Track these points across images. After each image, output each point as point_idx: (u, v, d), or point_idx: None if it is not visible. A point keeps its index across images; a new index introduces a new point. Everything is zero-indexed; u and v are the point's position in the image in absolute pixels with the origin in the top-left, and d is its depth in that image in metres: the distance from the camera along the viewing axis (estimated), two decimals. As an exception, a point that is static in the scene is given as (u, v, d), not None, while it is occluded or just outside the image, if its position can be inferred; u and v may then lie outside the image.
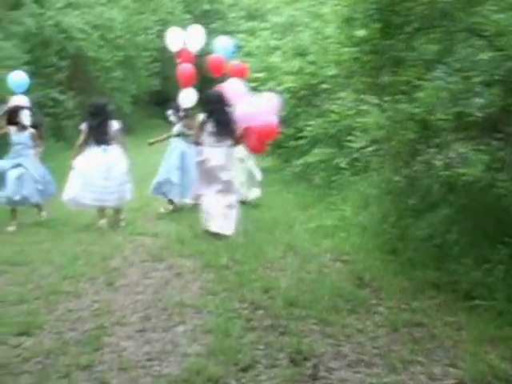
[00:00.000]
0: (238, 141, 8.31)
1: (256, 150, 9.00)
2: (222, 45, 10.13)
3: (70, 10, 20.33)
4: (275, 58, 12.68)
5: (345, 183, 9.22)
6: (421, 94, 6.14)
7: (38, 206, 9.58)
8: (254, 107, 8.18)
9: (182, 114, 9.96)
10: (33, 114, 9.62)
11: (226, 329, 4.80)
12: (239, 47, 12.38)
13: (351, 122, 8.96)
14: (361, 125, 8.01)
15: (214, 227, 7.93)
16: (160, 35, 10.48)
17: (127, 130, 11.38)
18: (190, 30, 10.16)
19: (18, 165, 9.12)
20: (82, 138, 9.00)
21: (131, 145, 9.99)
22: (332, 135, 10.10)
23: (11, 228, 8.98)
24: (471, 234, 5.79)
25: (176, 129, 10.04)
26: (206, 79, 10.44)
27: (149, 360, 4.34)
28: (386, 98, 7.13)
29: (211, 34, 13.61)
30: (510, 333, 4.61)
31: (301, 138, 11.18)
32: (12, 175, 9.05)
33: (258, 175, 10.25)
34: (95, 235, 8.33)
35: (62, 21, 19.49)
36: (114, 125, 9.05)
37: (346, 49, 7.02)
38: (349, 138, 8.57)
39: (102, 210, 8.95)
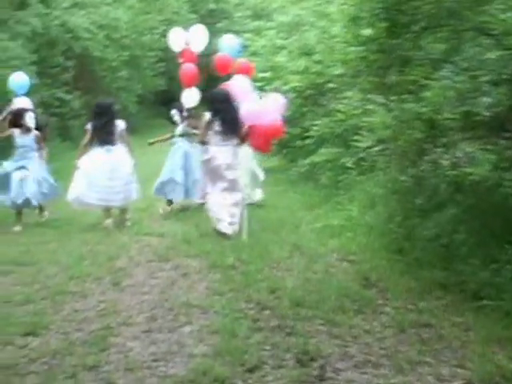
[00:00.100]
0: (243, 139, 8.30)
1: (261, 149, 8.98)
2: (228, 44, 10.11)
3: (76, 9, 20.37)
4: (281, 58, 12.64)
5: (351, 183, 9.19)
6: (428, 94, 6.11)
7: (40, 207, 9.58)
8: (260, 106, 8.17)
9: (185, 113, 9.95)
10: (36, 116, 9.61)
11: (233, 329, 4.78)
12: (245, 47, 12.33)
13: (357, 122, 8.93)
14: (367, 124, 7.98)
15: (221, 226, 7.94)
16: (165, 35, 10.45)
17: (132, 129, 11.40)
18: (192, 30, 10.15)
19: (22, 167, 9.10)
20: (86, 138, 9.02)
21: (136, 144, 9.98)
22: (338, 135, 10.07)
23: (17, 228, 9.00)
24: (479, 233, 5.76)
25: (179, 129, 10.02)
26: (212, 78, 10.44)
27: (155, 360, 4.33)
28: (393, 98, 7.09)
29: (217, 33, 13.62)
30: (518, 333, 4.59)
31: (307, 137, 11.15)
32: (16, 177, 9.04)
33: (261, 176, 10.22)
34: (101, 235, 8.33)
35: (68, 21, 19.52)
36: (120, 124, 9.05)
37: (353, 48, 6.99)
38: (355, 137, 8.52)
39: (107, 210, 8.96)
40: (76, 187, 8.82)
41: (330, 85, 10.38)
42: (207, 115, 8.22)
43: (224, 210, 7.99)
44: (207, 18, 32.82)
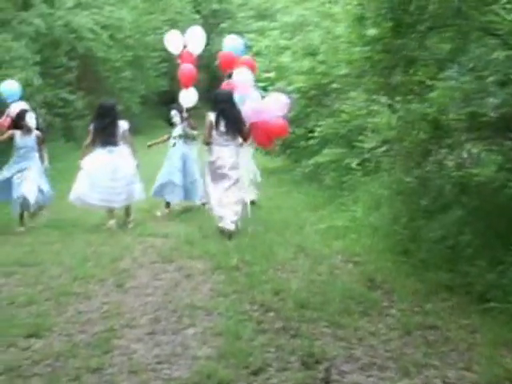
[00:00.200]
0: (247, 137, 8.38)
1: (264, 145, 8.99)
2: (232, 44, 10.08)
3: (80, 10, 20.33)
4: (285, 58, 12.61)
5: (356, 184, 9.15)
6: (433, 94, 6.09)
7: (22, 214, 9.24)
8: (263, 103, 8.15)
9: (185, 114, 9.93)
10: (37, 117, 9.57)
11: (237, 331, 4.75)
12: (248, 47, 12.30)
13: (362, 122, 8.93)
14: (372, 125, 7.98)
15: (223, 224, 7.96)
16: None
17: (136, 130, 11.38)
18: (189, 32, 10.11)
19: (22, 169, 9.03)
20: (89, 138, 9.01)
21: (139, 145, 9.95)
22: (343, 135, 10.05)
23: (21, 229, 8.97)
24: (484, 235, 5.72)
25: (178, 129, 10.00)
26: (215, 78, 10.42)
27: (159, 363, 4.30)
28: (398, 98, 7.08)
29: (220, 33, 13.59)
30: (525, 336, 4.55)
31: (311, 138, 11.13)
32: (16, 180, 8.98)
33: (258, 176, 10.17)
34: (105, 236, 8.31)
35: (72, 21, 19.49)
36: (123, 125, 9.04)
37: (357, 48, 6.96)
38: (360, 138, 8.52)
39: (111, 211, 8.94)
40: (78, 187, 8.81)
41: (335, 85, 10.35)
42: (211, 115, 8.22)
43: (226, 208, 8.02)
44: (210, 18, 32.91)
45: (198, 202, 10.02)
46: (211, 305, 5.42)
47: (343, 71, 8.96)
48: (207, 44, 10.47)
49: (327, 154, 10.37)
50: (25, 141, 9.09)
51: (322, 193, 10.39)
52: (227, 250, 7.14)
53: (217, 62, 10.05)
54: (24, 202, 8.96)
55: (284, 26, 14.84)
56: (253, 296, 5.58)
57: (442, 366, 4.16)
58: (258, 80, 9.99)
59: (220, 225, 8.01)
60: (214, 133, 8.19)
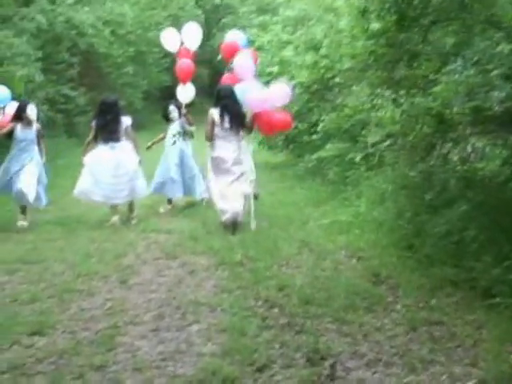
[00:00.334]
0: (250, 129, 8.45)
1: (266, 134, 8.97)
2: (234, 39, 10.02)
3: (81, 6, 20.29)
4: (287, 53, 12.57)
5: (359, 178, 9.11)
6: (437, 88, 6.05)
7: (24, 209, 9.10)
8: (266, 92, 8.14)
9: (184, 110, 9.90)
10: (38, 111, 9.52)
11: (241, 327, 4.73)
12: (251, 42, 12.26)
13: (365, 117, 8.90)
14: (375, 119, 7.95)
15: (226, 217, 7.99)
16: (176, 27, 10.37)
17: (138, 125, 11.35)
18: (185, 29, 10.06)
19: (24, 164, 8.96)
20: (91, 135, 9.00)
21: (142, 141, 9.94)
22: (346, 130, 10.01)
23: (22, 223, 8.87)
24: (489, 230, 5.67)
25: (176, 126, 9.98)
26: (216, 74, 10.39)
27: (163, 360, 4.28)
28: (402, 92, 7.04)
29: (222, 28, 13.54)
30: (531, 332, 4.52)
31: (314, 132, 11.10)
32: (15, 175, 8.92)
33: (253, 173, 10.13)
34: (108, 232, 8.30)
35: (73, 17, 19.45)
36: (126, 121, 9.01)
37: (361, 42, 6.92)
38: (363, 132, 8.50)
39: (114, 207, 8.94)
40: (82, 183, 8.82)
41: (338, 79, 10.31)
42: (213, 111, 8.24)
43: (229, 202, 8.03)
44: (212, 13, 32.86)
45: (198, 198, 10.03)
46: (215, 301, 5.40)
47: (346, 65, 8.92)
48: (209, 39, 10.44)
49: (330, 148, 10.34)
50: (25, 133, 8.99)
51: (325, 188, 10.35)
52: (231, 246, 7.13)
53: (219, 57, 9.99)
54: (23, 197, 8.86)
55: (286, 21, 14.81)
56: (257, 292, 5.56)
57: (448, 362, 4.13)
58: (260, 74, 9.96)
59: (223, 219, 8.01)
60: (216, 128, 8.22)
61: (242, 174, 8.28)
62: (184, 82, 9.79)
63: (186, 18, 23.57)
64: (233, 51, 9.13)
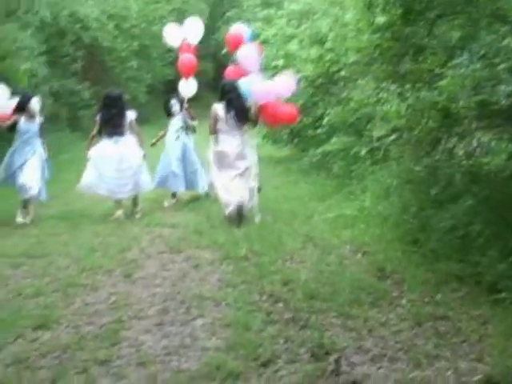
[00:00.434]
0: (255, 122, 8.47)
1: (271, 124, 9.24)
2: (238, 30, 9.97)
3: (85, -1, 20.30)
4: (292, 46, 12.53)
5: (364, 173, 9.07)
6: (443, 82, 6.01)
7: (25, 203, 9.01)
8: (271, 83, 8.14)
9: (186, 104, 9.87)
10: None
11: (246, 322, 4.72)
12: (256, 35, 12.22)
13: (371, 111, 8.86)
14: (381, 113, 7.91)
15: (229, 210, 8.03)
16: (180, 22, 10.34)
17: (142, 119, 11.32)
18: (187, 24, 10.02)
19: (27, 158, 8.92)
20: (95, 129, 9.00)
21: (146, 135, 9.93)
22: (351, 124, 9.97)
23: (23, 220, 8.75)
24: (495, 224, 5.64)
25: (177, 119, 9.96)
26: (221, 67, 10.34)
27: (167, 354, 4.27)
28: (407, 86, 7.01)
29: (227, 22, 13.49)
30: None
31: (319, 126, 11.06)
32: (20, 171, 8.88)
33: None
34: (112, 226, 8.30)
35: (78, 11, 19.45)
36: (130, 115, 9.00)
37: (366, 36, 6.89)
38: (368, 126, 8.46)
39: (118, 201, 8.93)
40: (87, 177, 8.84)
41: (343, 73, 10.27)
42: (216, 106, 8.30)
43: (233, 194, 8.06)
44: (217, 6, 32.75)
45: (201, 192, 10.03)
46: (220, 295, 5.39)
47: (352, 59, 8.89)
48: (214, 33, 10.41)
49: (335, 142, 10.30)
50: (29, 126, 8.92)
51: (329, 182, 10.32)
52: (236, 240, 7.11)
53: (224, 51, 9.96)
54: (27, 191, 8.82)
55: (291, 14, 14.72)
56: (262, 286, 5.55)
57: (454, 357, 4.10)
58: (265, 68, 9.90)
59: (227, 212, 8.02)
60: (220, 123, 8.25)
61: (246, 169, 8.31)
62: (186, 76, 9.75)
63: (190, 11, 23.51)
64: (237, 42, 9.10)
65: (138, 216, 8.96)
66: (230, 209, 8.01)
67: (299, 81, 9.83)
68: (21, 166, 8.83)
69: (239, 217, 7.97)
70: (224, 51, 9.98)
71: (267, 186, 10.03)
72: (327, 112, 10.55)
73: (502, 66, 5.32)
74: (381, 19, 6.54)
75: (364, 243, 6.80)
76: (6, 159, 9.01)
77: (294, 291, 5.40)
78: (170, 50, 26.44)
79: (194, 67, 9.78)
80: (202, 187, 9.98)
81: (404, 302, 5.14)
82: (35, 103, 9.00)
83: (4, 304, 5.37)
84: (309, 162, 12.04)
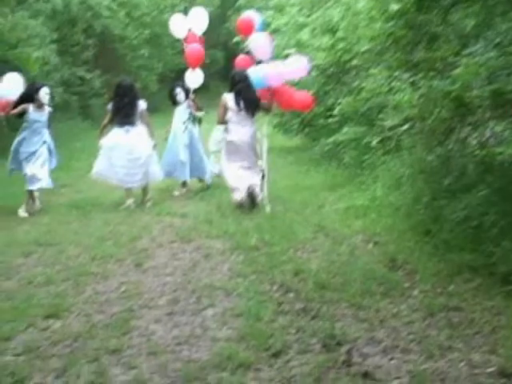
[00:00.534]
0: (268, 110, 8.58)
1: (285, 108, 9.36)
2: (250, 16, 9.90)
3: (97, -13, 20.24)
4: (304, 35, 12.44)
5: (376, 162, 9.01)
6: (457, 71, 5.93)
7: (32, 195, 8.97)
8: (284, 65, 8.13)
9: (192, 95, 9.84)
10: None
11: (257, 312, 4.69)
12: (267, 24, 12.15)
13: (383, 100, 8.79)
14: (393, 103, 7.84)
15: (237, 196, 8.13)
16: (186, 12, 10.32)
17: (153, 108, 11.32)
18: (191, 14, 9.96)
19: (37, 148, 8.90)
20: (107, 118, 9.00)
21: (157, 124, 9.93)
22: (363, 113, 9.90)
23: (25, 214, 8.66)
24: (509, 215, 5.58)
25: (182, 108, 9.96)
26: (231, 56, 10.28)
27: (178, 344, 4.26)
28: (420, 75, 6.93)
29: (238, 10, 13.39)
30: (551, 318, 4.44)
31: (330, 116, 10.99)
32: (29, 161, 8.85)
33: None
34: (123, 215, 8.31)
35: (89, -2, 19.44)
36: (141, 105, 8.99)
37: (379, 24, 6.82)
38: (380, 116, 8.39)
39: (129, 190, 8.93)
40: (99, 165, 8.91)
41: (355, 62, 10.20)
42: (226, 96, 8.40)
43: (243, 181, 8.12)
44: (228, -6, 32.59)
45: (208, 180, 10.06)
46: (230, 285, 5.37)
47: (364, 48, 8.82)
48: (225, 21, 10.36)
49: (347, 132, 10.23)
50: (38, 115, 8.87)
51: (341, 172, 10.28)
52: (246, 230, 7.09)
53: (235, 39, 9.91)
54: (37, 182, 8.79)
55: (303, 3, 14.62)
56: (272, 276, 5.52)
57: (467, 348, 4.06)
58: (277, 57, 9.85)
59: (235, 197, 8.11)
60: (230, 113, 8.32)
61: (256, 159, 8.38)
62: (193, 67, 9.70)
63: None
64: (248, 29, 9.06)
65: (148, 205, 8.96)
66: (239, 194, 8.03)
67: (311, 70, 9.77)
68: (29, 156, 8.80)
69: (251, 201, 7.99)
70: (235, 40, 9.90)
71: (278, 175, 10.04)
72: (339, 101, 10.48)
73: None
74: (394, 7, 6.47)
75: (375, 233, 6.76)
76: (13, 148, 8.96)
77: (305, 281, 5.37)
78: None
79: (200, 58, 9.73)
80: (209, 174, 9.98)
81: (416, 292, 5.09)
82: (44, 93, 8.96)
83: (15, 292, 5.37)
84: (320, 151, 12.00)
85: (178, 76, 27.85)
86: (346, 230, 6.98)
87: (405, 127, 7.42)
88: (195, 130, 10.07)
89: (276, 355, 4.04)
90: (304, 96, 8.34)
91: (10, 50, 14.08)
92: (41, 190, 8.98)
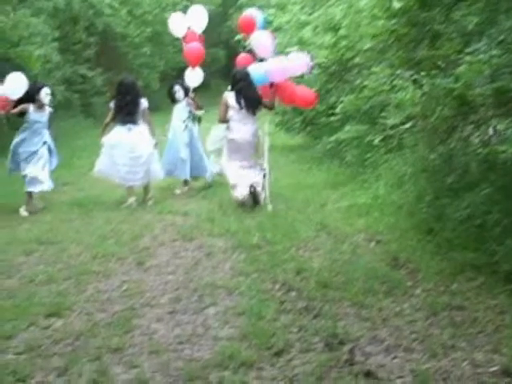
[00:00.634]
0: (271, 107, 8.59)
1: (287, 103, 9.34)
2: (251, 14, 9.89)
3: (98, -15, 20.23)
4: (306, 33, 12.42)
5: (378, 161, 8.98)
6: (460, 69, 5.91)
7: (30, 194, 8.89)
8: (286, 61, 8.14)
9: (192, 94, 9.82)
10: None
11: (259, 311, 4.68)
12: (268, 23, 12.13)
13: (385, 98, 8.76)
14: (395, 101, 7.82)
15: (238, 193, 8.14)
16: (187, 11, 10.30)
17: (155, 106, 11.30)
18: (190, 12, 9.94)
19: (37, 148, 8.87)
20: (109, 116, 8.99)
21: (158, 122, 9.92)
22: (365, 111, 9.87)
23: (26, 213, 8.62)
24: (512, 214, 5.57)
25: (181, 105, 9.94)
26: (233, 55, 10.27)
27: (180, 343, 4.25)
28: (422, 73, 6.90)
29: (239, 8, 13.37)
30: (554, 318, 4.42)
31: (332, 114, 10.96)
32: (29, 162, 8.81)
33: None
34: (124, 214, 8.30)
35: (91, -4, 19.44)
36: (143, 103, 8.98)
37: (381, 22, 6.79)
38: (382, 114, 8.37)
39: (130, 188, 8.93)
40: (101, 163, 8.92)
41: (357, 60, 10.17)
42: (228, 94, 8.41)
43: (244, 180, 8.13)
44: (229, -7, 32.57)
45: (209, 179, 10.06)
46: (232, 284, 5.36)
47: (366, 46, 8.78)
48: (226, 20, 10.35)
49: (349, 130, 10.20)
50: (39, 116, 8.83)
51: (343, 170, 10.25)
52: (248, 228, 7.08)
53: (236, 37, 9.90)
54: (37, 183, 8.75)
55: (305, 1, 14.59)
56: (274, 275, 5.51)
57: (470, 348, 4.05)
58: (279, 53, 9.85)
59: (236, 195, 8.14)
60: (232, 111, 8.34)
61: (257, 157, 8.39)
62: (193, 65, 9.68)
63: (203, -2, 23.41)
64: (250, 27, 9.04)
65: (149, 203, 8.95)
66: (240, 192, 8.03)
67: (313, 67, 9.75)
68: (30, 157, 8.77)
69: (254, 199, 8.01)
70: (236, 38, 9.88)
71: (280, 173, 10.02)
72: (341, 99, 10.45)
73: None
74: (396, 5, 6.44)
75: (378, 232, 6.74)
76: (12, 149, 8.90)
77: (308, 280, 5.36)
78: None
79: (200, 56, 9.71)
80: (210, 172, 9.97)
81: (419, 291, 5.07)
82: (45, 93, 8.92)
83: (16, 291, 5.37)
84: (322, 150, 11.97)
85: (179, 74, 27.96)
86: (348, 229, 6.96)
87: (407, 125, 7.40)
88: (195, 128, 10.06)
89: (278, 354, 4.03)
90: (307, 92, 8.33)
91: (12, 48, 14.08)
92: (42, 192, 8.95)
